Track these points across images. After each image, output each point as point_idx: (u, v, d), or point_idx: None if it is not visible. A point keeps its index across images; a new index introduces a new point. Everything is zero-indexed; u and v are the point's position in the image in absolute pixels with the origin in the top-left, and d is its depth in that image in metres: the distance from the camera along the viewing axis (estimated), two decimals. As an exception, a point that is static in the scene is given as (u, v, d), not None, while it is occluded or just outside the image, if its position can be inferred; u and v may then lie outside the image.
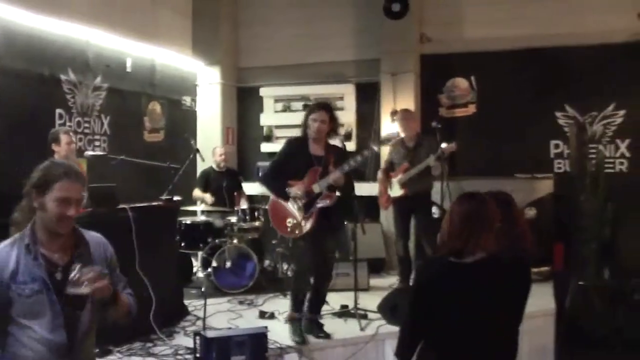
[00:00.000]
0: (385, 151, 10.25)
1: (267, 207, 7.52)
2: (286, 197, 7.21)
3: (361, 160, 7.42)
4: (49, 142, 8.24)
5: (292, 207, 7.23)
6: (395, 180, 9.50)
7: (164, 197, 8.16)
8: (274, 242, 10.29)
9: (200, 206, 10.64)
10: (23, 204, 3.82)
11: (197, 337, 6.10)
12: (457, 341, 4.17)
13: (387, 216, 11.42)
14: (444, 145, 9.04)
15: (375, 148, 7.91)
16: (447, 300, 4.13)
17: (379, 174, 9.99)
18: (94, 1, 10.26)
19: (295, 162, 7.29)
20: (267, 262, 10.66)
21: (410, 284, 9.42)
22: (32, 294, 3.58)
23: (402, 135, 9.59)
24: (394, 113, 11.61)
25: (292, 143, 7.46)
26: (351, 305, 8.01)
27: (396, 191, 9.52)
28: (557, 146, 11.56)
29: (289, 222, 7.23)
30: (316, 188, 7.19)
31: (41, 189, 3.68)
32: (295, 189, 7.14)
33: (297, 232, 7.25)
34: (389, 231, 11.35)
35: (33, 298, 3.59)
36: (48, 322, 3.62)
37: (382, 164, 10.21)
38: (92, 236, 3.93)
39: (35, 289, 3.58)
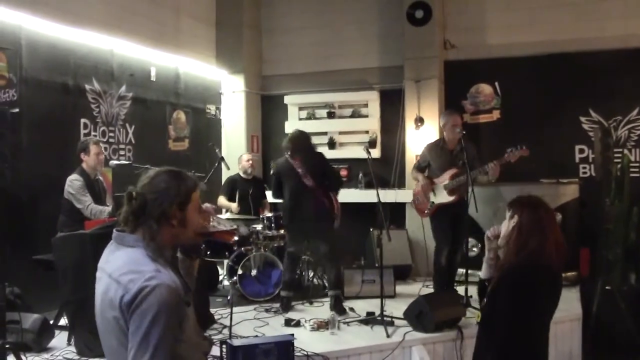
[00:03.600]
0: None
1: (334, 202, 9.20)
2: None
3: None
4: (78, 151, 8.32)
5: None
6: (441, 186, 9.23)
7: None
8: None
9: (226, 214, 10.66)
10: (153, 229, 3.31)
11: (224, 346, 6.12)
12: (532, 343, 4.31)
13: (413, 223, 11.40)
14: (509, 150, 8.89)
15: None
16: (538, 305, 4.26)
17: (421, 180, 9.38)
18: (118, 11, 10.31)
19: None
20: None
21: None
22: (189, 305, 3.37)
23: (451, 137, 9.29)
24: (419, 120, 11.61)
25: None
26: (377, 312, 8.01)
27: (444, 197, 9.13)
28: (582, 151, 11.50)
29: None
30: None
31: (184, 204, 3.39)
32: None
33: None
34: (415, 238, 11.33)
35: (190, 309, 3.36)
36: (195, 326, 3.49)
37: (415, 170, 9.69)
38: None
39: (188, 300, 3.36)
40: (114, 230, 3.40)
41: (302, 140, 9.17)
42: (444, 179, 9.12)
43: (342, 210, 9.14)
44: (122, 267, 3.20)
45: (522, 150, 8.64)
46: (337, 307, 8.67)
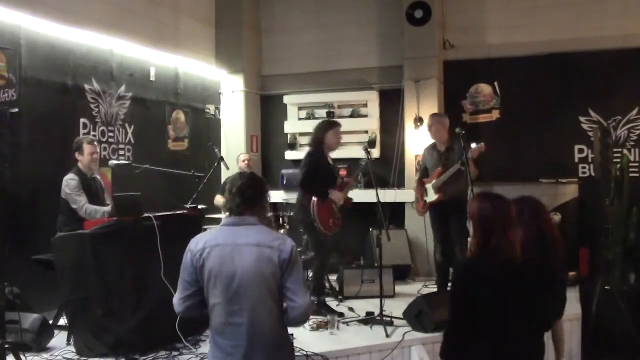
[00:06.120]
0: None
1: (311, 205, 8.61)
2: (325, 198, 8.64)
3: (363, 168, 9.64)
4: (73, 150, 8.32)
5: (334, 208, 8.77)
6: (429, 186, 9.42)
7: (188, 205, 8.17)
8: (299, 249, 10.15)
9: (226, 213, 10.64)
10: (265, 212, 4.76)
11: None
12: (497, 337, 4.25)
13: (412, 222, 11.41)
14: (473, 145, 8.90)
15: (367, 156, 9.12)
16: (485, 298, 4.20)
17: (415, 181, 9.98)
18: (117, 10, 10.30)
19: (321, 170, 8.76)
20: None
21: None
22: None
23: (433, 139, 9.55)
24: (418, 120, 11.61)
25: (315, 155, 8.83)
26: (377, 311, 8.00)
27: (431, 196, 9.42)
28: (581, 150, 11.51)
29: (332, 220, 8.69)
30: (346, 193, 9.07)
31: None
32: (339, 195, 8.82)
33: (337, 229, 8.81)
34: (414, 237, 11.34)
35: None
36: None
37: (417, 172, 10.28)
38: None
39: None
40: (229, 217, 4.70)
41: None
42: (432, 178, 9.37)
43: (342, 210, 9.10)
44: (266, 237, 4.48)
45: (479, 146, 8.70)
46: (319, 311, 8.35)
